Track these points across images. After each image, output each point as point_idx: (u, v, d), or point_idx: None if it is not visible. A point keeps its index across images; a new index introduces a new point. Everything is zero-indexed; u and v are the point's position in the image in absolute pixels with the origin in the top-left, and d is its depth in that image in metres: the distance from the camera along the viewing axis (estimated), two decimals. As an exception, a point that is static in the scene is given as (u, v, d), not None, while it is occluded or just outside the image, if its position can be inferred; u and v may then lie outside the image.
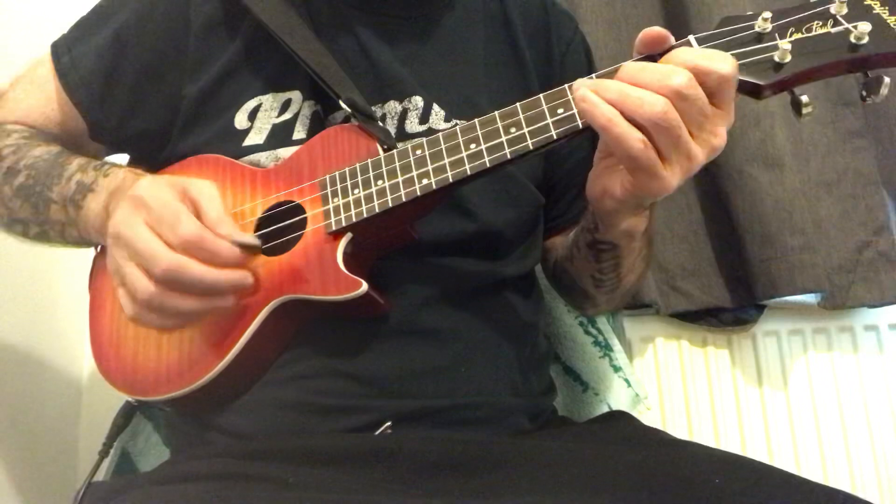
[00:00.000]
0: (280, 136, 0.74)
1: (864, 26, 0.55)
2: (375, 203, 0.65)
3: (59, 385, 1.14)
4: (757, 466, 0.55)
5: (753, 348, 1.22)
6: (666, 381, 1.21)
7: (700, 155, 0.57)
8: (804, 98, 0.57)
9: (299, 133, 0.75)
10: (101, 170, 0.71)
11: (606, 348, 0.99)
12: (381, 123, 0.74)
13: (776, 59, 0.57)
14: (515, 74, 0.84)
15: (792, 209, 1.13)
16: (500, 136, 0.63)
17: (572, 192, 0.87)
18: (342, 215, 0.66)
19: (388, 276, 0.70)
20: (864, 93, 0.57)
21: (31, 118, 0.79)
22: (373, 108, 0.74)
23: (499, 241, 0.78)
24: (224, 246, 0.59)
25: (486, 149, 0.63)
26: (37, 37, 0.88)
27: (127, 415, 0.76)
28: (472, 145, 0.63)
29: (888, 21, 0.55)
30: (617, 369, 0.98)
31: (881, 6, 0.56)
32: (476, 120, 0.64)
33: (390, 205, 0.65)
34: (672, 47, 0.59)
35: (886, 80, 0.55)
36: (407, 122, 0.76)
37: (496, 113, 0.64)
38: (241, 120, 0.75)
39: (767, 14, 0.58)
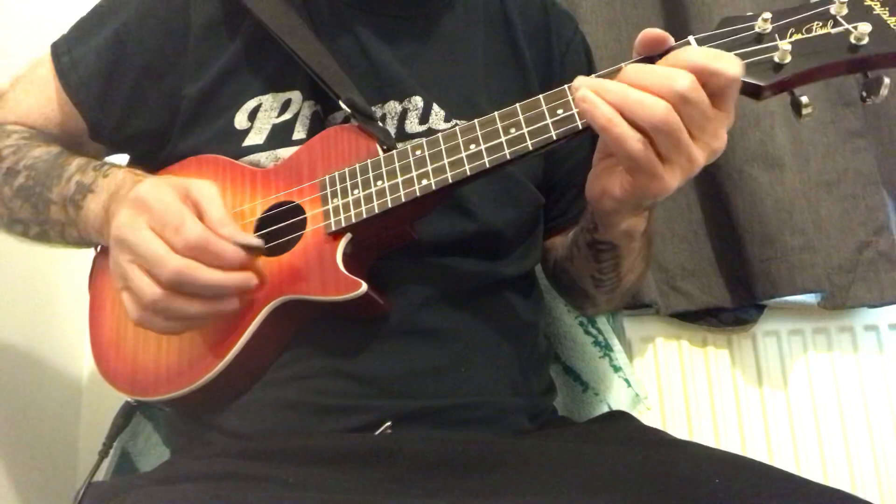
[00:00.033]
0: (280, 136, 0.74)
1: (865, 27, 0.55)
2: (375, 203, 0.65)
3: (59, 385, 1.14)
4: (757, 466, 0.55)
5: (753, 348, 1.23)
6: (666, 381, 1.21)
7: (700, 157, 0.57)
8: (804, 99, 0.57)
9: (299, 133, 0.75)
10: (100, 170, 0.71)
11: (606, 348, 0.99)
12: (380, 124, 0.74)
13: (776, 59, 0.57)
14: (515, 74, 0.84)
15: (792, 209, 1.13)
16: (500, 137, 0.63)
17: (572, 192, 0.87)
18: (342, 216, 0.66)
19: (388, 276, 0.70)
20: (864, 93, 0.57)
21: (30, 118, 0.79)
22: (373, 109, 0.74)
23: (499, 241, 0.78)
24: (228, 248, 0.59)
25: (486, 149, 0.63)
26: (37, 37, 0.88)
27: (127, 415, 0.76)
28: (472, 146, 0.63)
29: (888, 22, 0.55)
30: (617, 369, 0.98)
31: (881, 7, 0.56)
32: (476, 120, 0.64)
33: (390, 205, 0.65)
34: (671, 48, 0.59)
35: (886, 80, 0.55)
36: (407, 122, 0.76)
37: (496, 113, 0.64)
38: (241, 120, 0.75)
39: (767, 15, 0.58)
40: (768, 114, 1.15)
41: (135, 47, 0.77)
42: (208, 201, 0.61)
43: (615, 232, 0.70)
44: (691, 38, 0.60)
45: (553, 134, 0.61)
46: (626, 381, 0.98)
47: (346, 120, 0.74)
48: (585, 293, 0.84)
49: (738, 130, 1.15)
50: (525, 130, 0.62)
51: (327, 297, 0.64)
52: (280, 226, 0.69)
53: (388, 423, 0.66)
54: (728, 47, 0.58)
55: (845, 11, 0.56)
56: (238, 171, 0.73)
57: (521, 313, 0.79)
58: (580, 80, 0.59)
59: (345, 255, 0.66)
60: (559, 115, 0.61)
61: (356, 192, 0.67)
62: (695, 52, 0.56)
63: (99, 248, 0.78)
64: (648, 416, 1.02)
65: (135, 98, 0.77)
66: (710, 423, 1.20)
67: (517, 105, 0.63)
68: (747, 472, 0.54)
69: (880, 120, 1.24)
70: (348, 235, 0.66)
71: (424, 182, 0.64)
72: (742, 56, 0.57)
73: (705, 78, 0.55)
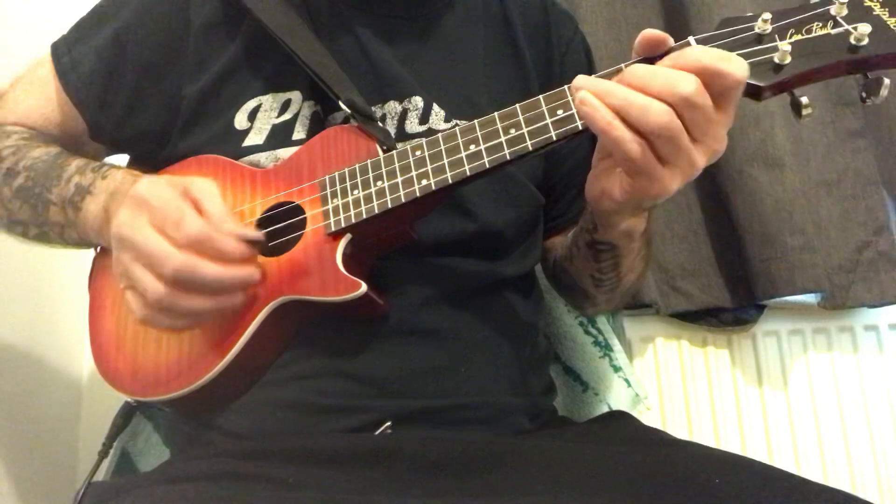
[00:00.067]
0: (280, 136, 0.74)
1: (864, 28, 0.55)
2: (375, 204, 0.65)
3: (59, 385, 1.14)
4: (757, 466, 0.55)
5: (753, 348, 1.23)
6: (666, 381, 1.21)
7: (701, 160, 0.57)
8: (804, 99, 0.57)
9: (299, 133, 0.75)
10: (99, 171, 0.71)
11: (606, 348, 0.99)
12: (380, 124, 0.74)
13: (776, 60, 0.57)
14: (515, 74, 0.84)
15: (792, 209, 1.13)
16: (500, 137, 0.63)
17: (572, 192, 0.87)
18: (342, 216, 0.66)
19: (387, 276, 0.70)
20: (863, 94, 0.57)
21: (30, 119, 0.79)
22: (373, 109, 0.74)
23: (499, 241, 0.78)
24: (230, 242, 0.59)
25: (486, 149, 0.63)
26: (37, 37, 0.88)
27: (126, 415, 0.76)
28: (472, 146, 0.63)
29: (888, 22, 0.55)
30: (617, 369, 0.98)
31: (881, 7, 0.56)
32: (476, 121, 0.64)
33: (390, 205, 0.65)
34: (671, 49, 0.59)
35: (886, 81, 0.55)
36: (407, 122, 0.76)
37: (496, 114, 0.63)
38: (240, 120, 0.75)
39: (767, 15, 0.58)
40: (768, 114, 1.15)
41: (135, 47, 0.77)
42: (208, 198, 0.61)
43: (615, 232, 0.70)
44: (691, 39, 0.60)
45: (553, 134, 0.61)
46: (626, 381, 0.98)
47: (346, 120, 0.74)
48: (585, 293, 0.84)
49: (738, 130, 1.15)
50: (525, 131, 0.62)
51: (327, 297, 0.64)
52: (280, 226, 0.69)
53: (388, 423, 0.66)
54: (728, 48, 0.58)
55: (845, 12, 0.56)
56: (238, 172, 0.73)
57: (521, 313, 0.79)
58: (580, 81, 0.58)
59: (345, 255, 0.66)
60: (559, 115, 0.61)
61: (356, 192, 0.67)
62: (702, 53, 0.55)
63: (99, 249, 0.78)
64: (648, 416, 1.02)
65: (135, 98, 0.77)
66: (710, 423, 1.20)
67: (517, 105, 0.63)
68: (747, 472, 0.54)
69: (880, 120, 1.24)
70: (348, 236, 0.66)
71: (424, 182, 0.64)
72: (742, 57, 0.57)
73: (711, 79, 0.54)
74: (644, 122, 0.54)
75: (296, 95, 0.76)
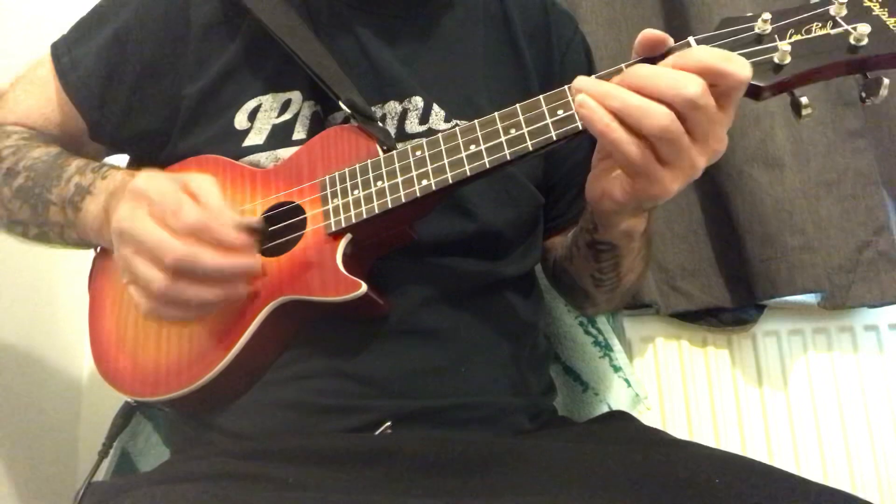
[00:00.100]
0: (280, 136, 0.74)
1: (864, 28, 0.55)
2: (375, 204, 0.65)
3: (59, 385, 1.14)
4: (757, 466, 0.55)
5: (753, 348, 1.23)
6: (666, 381, 1.21)
7: (702, 161, 0.57)
8: (804, 99, 0.57)
9: (299, 133, 0.75)
10: (99, 172, 0.71)
11: (606, 348, 0.99)
12: (380, 124, 0.74)
13: (776, 60, 0.57)
14: (515, 74, 0.84)
15: (792, 209, 1.13)
16: (500, 137, 0.63)
17: (572, 192, 0.87)
18: (342, 216, 0.66)
19: (388, 276, 0.70)
20: (863, 94, 0.57)
21: (30, 119, 0.79)
22: (373, 109, 0.74)
23: (499, 241, 0.78)
24: (230, 231, 0.59)
25: (486, 149, 0.63)
26: (37, 37, 0.88)
27: (126, 415, 0.76)
28: (472, 146, 0.63)
29: (888, 23, 0.55)
30: (617, 369, 0.98)
31: (881, 8, 0.56)
32: (476, 121, 0.64)
33: (390, 205, 0.65)
34: (671, 49, 0.59)
35: (886, 81, 0.55)
36: (407, 122, 0.76)
37: (496, 114, 0.64)
38: (240, 120, 0.75)
39: (767, 15, 0.58)
40: (768, 114, 1.15)
41: (135, 47, 0.77)
42: (206, 192, 0.60)
43: (615, 232, 0.70)
44: (691, 39, 0.60)
45: (553, 134, 0.61)
46: (626, 381, 0.98)
47: (346, 120, 0.74)
48: (585, 293, 0.84)
49: (738, 130, 1.15)
50: (525, 131, 0.62)
51: (327, 297, 0.64)
52: (280, 226, 0.69)
53: (388, 423, 0.66)
54: (728, 48, 0.58)
55: (845, 12, 0.56)
56: (238, 172, 0.73)
57: (521, 313, 0.79)
58: (581, 81, 0.58)
59: (345, 255, 0.66)
60: (559, 115, 0.61)
61: (356, 192, 0.67)
62: (704, 53, 0.55)
63: (99, 249, 0.78)
64: (648, 416, 1.02)
65: (135, 98, 0.77)
66: (710, 423, 1.20)
67: (517, 105, 0.63)
68: (747, 472, 0.54)
69: (880, 120, 1.24)
70: (348, 236, 0.66)
71: (424, 182, 0.64)
72: (742, 57, 0.57)
73: (714, 79, 0.54)
74: (643, 125, 0.54)
75: (296, 95, 0.76)
